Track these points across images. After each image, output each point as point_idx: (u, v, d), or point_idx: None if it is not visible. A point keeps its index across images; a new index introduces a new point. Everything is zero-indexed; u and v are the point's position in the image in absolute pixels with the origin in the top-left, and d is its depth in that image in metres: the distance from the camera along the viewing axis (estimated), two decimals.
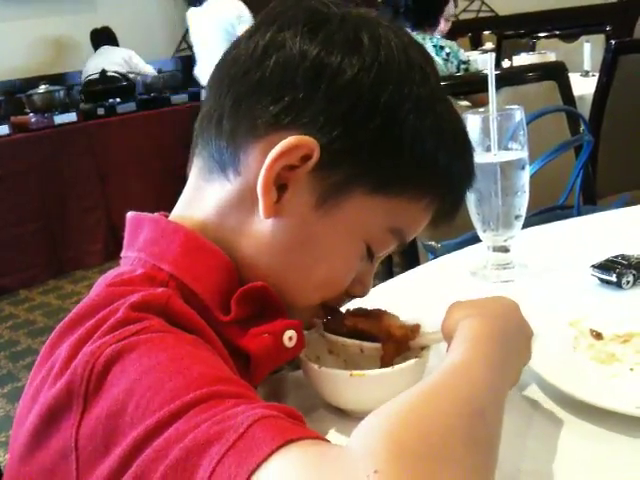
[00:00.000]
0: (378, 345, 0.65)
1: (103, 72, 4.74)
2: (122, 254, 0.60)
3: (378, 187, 0.59)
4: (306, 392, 0.65)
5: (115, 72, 4.88)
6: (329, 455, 0.38)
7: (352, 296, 0.66)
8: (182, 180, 0.64)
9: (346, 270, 0.62)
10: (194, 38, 4.65)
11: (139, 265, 0.57)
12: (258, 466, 0.37)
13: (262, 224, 0.59)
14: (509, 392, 0.54)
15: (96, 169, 4.24)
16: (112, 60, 5.09)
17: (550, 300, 0.84)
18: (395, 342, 0.64)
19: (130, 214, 0.62)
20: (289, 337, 0.58)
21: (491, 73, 0.92)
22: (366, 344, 0.65)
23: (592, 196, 1.64)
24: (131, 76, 5.03)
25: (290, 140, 0.55)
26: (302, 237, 0.59)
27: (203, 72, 4.45)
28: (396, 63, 0.58)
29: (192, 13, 4.49)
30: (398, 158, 0.58)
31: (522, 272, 0.93)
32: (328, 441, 0.41)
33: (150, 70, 5.25)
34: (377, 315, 0.66)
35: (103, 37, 5.31)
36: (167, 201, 0.68)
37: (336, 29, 0.58)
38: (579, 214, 1.25)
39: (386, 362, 0.64)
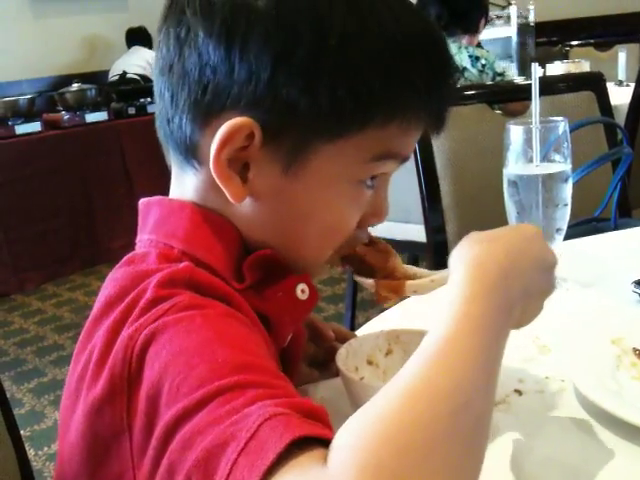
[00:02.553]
0: (369, 281, 0.64)
1: (123, 74, 4.78)
2: (137, 239, 0.62)
3: (333, 133, 0.56)
4: (342, 400, 0.65)
5: (135, 74, 4.90)
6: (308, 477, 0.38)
7: (373, 225, 0.65)
8: None
9: (344, 218, 0.61)
10: None
11: (151, 246, 0.59)
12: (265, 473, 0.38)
13: (242, 206, 0.59)
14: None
15: (124, 167, 4.28)
16: (135, 62, 5.11)
17: (591, 316, 0.83)
18: (390, 285, 0.63)
19: (141, 200, 0.64)
20: (301, 290, 0.60)
21: (535, 84, 0.91)
22: (357, 277, 0.65)
23: (627, 208, 1.61)
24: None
25: (225, 129, 0.55)
26: (284, 207, 0.59)
27: None
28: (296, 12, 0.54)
29: None
30: (338, 103, 0.55)
31: (562, 286, 0.91)
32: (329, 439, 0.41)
33: None
34: (386, 253, 0.65)
35: (137, 36, 5.34)
36: None
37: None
38: (616, 227, 1.24)
39: (379, 300, 0.64)
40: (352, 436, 0.39)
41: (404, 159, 0.62)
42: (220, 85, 0.55)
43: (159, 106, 0.61)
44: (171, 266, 0.54)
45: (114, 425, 0.50)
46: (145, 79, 4.91)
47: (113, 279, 0.57)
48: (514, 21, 3.98)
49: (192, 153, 0.59)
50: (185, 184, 0.62)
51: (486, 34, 4.07)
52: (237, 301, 0.54)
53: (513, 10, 4.03)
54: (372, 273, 0.64)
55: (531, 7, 4.09)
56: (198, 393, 0.44)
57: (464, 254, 0.52)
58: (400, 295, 0.63)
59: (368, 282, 0.64)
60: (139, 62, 5.13)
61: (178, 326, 0.49)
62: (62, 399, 0.57)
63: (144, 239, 0.60)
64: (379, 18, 0.56)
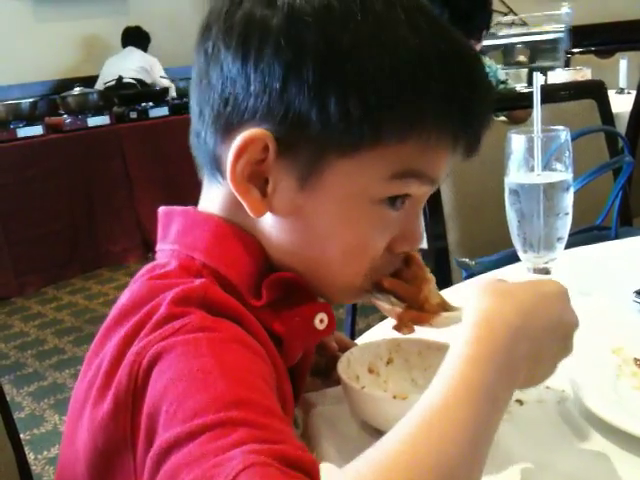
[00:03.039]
0: (387, 307, 0.62)
1: (120, 79, 4.79)
2: (157, 247, 0.62)
3: (346, 147, 0.55)
4: (343, 409, 0.65)
5: (132, 78, 4.91)
6: None
7: (407, 252, 0.64)
8: None
9: (367, 239, 0.59)
10: None
11: (173, 257, 0.59)
12: None
13: (265, 223, 0.59)
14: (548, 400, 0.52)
15: (125, 171, 4.29)
16: (129, 66, 5.10)
17: (592, 325, 0.83)
18: (418, 316, 0.62)
19: (161, 208, 0.64)
20: (320, 319, 0.60)
21: (536, 92, 0.91)
22: (376, 302, 0.63)
23: (628, 216, 1.61)
24: (148, 81, 5.09)
25: (239, 140, 0.56)
26: (304, 224, 0.59)
27: None
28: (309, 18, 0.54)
29: None
30: (347, 114, 0.54)
31: None
32: None
33: (167, 84, 5.15)
34: (418, 281, 0.63)
35: (133, 35, 5.31)
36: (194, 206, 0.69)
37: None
38: (617, 236, 1.24)
39: (398, 327, 0.62)
40: None
41: (431, 182, 0.60)
42: (239, 97, 0.56)
43: (192, 121, 0.62)
44: (187, 282, 0.54)
45: (118, 441, 0.50)
46: (142, 83, 4.92)
47: (131, 289, 0.58)
48: (567, 22, 3.96)
49: (216, 166, 0.60)
50: (211, 198, 0.62)
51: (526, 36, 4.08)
52: (248, 321, 0.54)
53: (565, 10, 4.02)
54: (403, 302, 0.63)
55: (569, 10, 4.08)
56: (193, 423, 0.44)
57: (476, 306, 0.50)
58: (422, 326, 0.62)
59: (386, 308, 0.62)
60: (133, 66, 5.13)
61: (184, 348, 0.49)
62: (71, 401, 0.58)
63: (166, 249, 0.61)
64: (395, 29, 0.55)
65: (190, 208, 0.63)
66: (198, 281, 0.54)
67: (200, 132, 0.60)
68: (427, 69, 0.55)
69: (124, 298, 0.57)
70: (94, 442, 0.52)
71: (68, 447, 0.57)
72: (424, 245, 1.60)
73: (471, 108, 0.58)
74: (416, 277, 0.63)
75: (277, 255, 0.60)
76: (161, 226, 0.63)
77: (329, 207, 0.58)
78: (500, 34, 4.46)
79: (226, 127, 0.57)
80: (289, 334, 0.58)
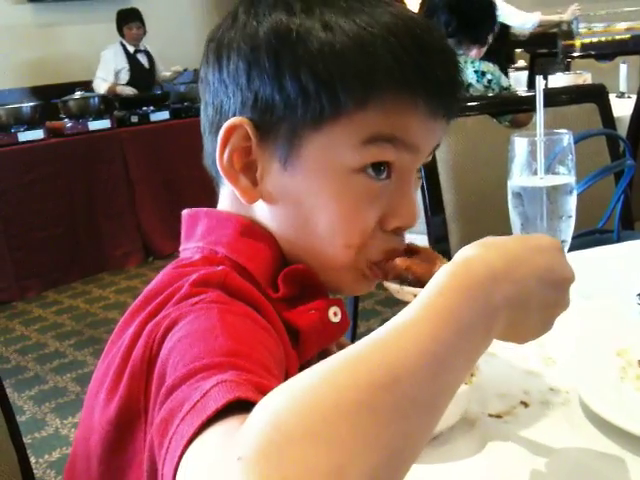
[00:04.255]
0: (416, 291, 0.62)
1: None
2: (181, 247, 0.66)
3: (313, 121, 0.59)
4: None
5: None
6: (227, 435, 0.38)
7: (401, 230, 0.64)
8: (210, 189, 0.69)
9: (353, 210, 0.61)
10: None
11: (197, 252, 0.63)
12: (199, 429, 0.40)
13: (259, 209, 0.64)
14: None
15: (126, 175, 4.29)
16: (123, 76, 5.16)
17: (595, 328, 0.83)
18: None
19: (185, 211, 0.68)
20: (334, 312, 0.63)
21: (539, 96, 0.92)
22: (387, 284, 0.64)
23: (630, 220, 1.62)
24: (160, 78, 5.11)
25: (222, 130, 0.62)
26: (292, 204, 0.62)
27: None
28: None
29: None
30: (304, 91, 0.59)
31: None
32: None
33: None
34: (432, 260, 0.64)
35: (127, 17, 5.18)
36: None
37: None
38: (618, 239, 1.24)
39: None
40: (267, 401, 0.38)
41: (409, 147, 0.61)
42: (223, 103, 0.64)
43: (203, 141, 0.68)
44: (210, 268, 0.58)
45: (131, 408, 0.53)
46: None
47: (156, 278, 0.61)
48: None
49: (217, 168, 0.64)
50: (222, 199, 0.68)
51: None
52: (265, 308, 0.57)
53: None
54: (419, 284, 0.62)
55: None
56: (190, 366, 0.46)
57: (459, 253, 0.49)
58: None
59: (396, 288, 0.63)
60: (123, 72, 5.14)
61: (195, 314, 0.52)
62: (90, 383, 0.60)
63: (191, 247, 0.65)
64: (340, 13, 0.59)
65: (215, 210, 0.67)
66: (220, 267, 0.58)
67: (205, 144, 0.67)
68: (374, 41, 0.58)
69: (149, 285, 0.60)
70: (108, 415, 0.54)
71: (84, 423, 0.58)
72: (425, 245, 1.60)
73: (425, 71, 0.60)
74: (429, 258, 0.65)
75: (285, 246, 0.64)
76: (185, 227, 0.67)
77: (312, 183, 0.61)
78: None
79: (217, 130, 0.63)
80: (306, 326, 0.60)
